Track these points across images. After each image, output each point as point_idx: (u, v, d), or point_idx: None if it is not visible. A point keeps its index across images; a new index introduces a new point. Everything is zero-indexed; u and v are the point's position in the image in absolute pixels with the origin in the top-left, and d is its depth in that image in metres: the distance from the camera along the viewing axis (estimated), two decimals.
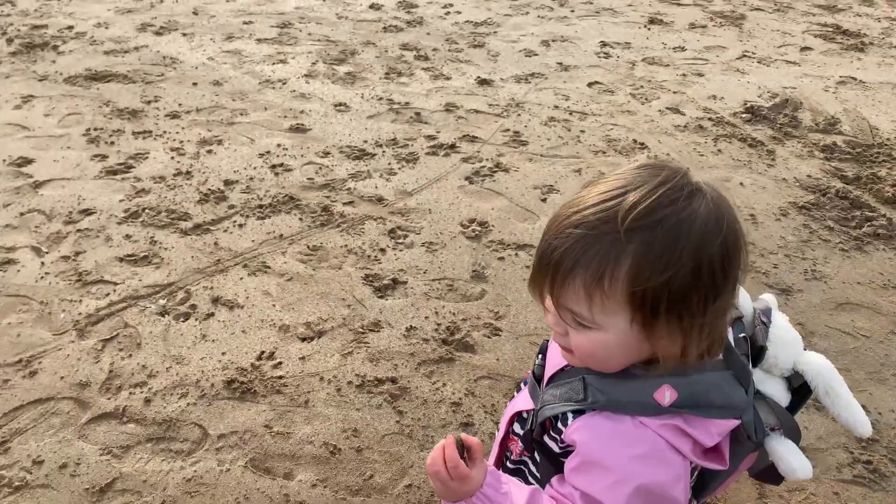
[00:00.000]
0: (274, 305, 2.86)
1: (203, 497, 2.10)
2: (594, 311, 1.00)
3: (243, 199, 3.53)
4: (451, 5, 6.65)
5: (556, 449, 1.14)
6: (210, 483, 2.14)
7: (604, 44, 5.88)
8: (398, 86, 4.92)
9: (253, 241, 3.23)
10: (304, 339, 2.70)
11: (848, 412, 1.09)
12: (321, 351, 2.65)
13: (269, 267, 3.06)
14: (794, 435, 1.06)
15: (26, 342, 2.62)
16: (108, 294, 2.86)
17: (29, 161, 3.77)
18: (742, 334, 1.11)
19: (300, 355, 2.63)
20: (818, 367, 1.08)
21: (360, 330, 2.75)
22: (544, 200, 3.62)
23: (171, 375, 2.50)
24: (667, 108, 4.73)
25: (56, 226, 3.26)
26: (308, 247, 3.21)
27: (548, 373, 1.22)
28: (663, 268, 0.95)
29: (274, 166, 3.84)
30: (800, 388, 1.14)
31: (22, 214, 3.34)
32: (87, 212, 3.37)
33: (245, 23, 5.97)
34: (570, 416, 1.08)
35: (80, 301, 2.82)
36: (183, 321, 2.75)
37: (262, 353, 2.63)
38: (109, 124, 4.19)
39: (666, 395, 1.00)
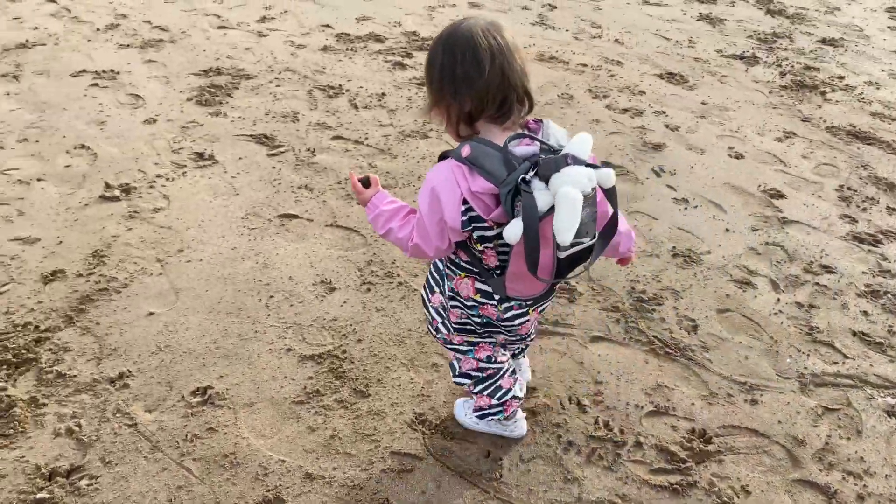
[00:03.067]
0: None
1: None
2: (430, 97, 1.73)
3: None
4: None
5: None
6: None
7: None
8: None
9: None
10: None
11: (555, 222, 1.49)
12: None
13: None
14: (527, 219, 1.50)
15: (751, 368, 2.74)
16: (836, 362, 2.80)
17: (781, 195, 3.93)
18: (543, 155, 1.57)
19: None
20: (563, 192, 1.47)
21: None
22: None
23: (889, 485, 2.31)
24: None
25: (795, 269, 3.32)
26: None
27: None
28: (425, 64, 1.70)
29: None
30: None
31: (766, 244, 3.49)
32: (827, 268, 3.35)
33: None
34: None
35: (808, 356, 2.82)
36: None
37: None
38: (864, 189, 4.08)
39: (465, 151, 1.60)
